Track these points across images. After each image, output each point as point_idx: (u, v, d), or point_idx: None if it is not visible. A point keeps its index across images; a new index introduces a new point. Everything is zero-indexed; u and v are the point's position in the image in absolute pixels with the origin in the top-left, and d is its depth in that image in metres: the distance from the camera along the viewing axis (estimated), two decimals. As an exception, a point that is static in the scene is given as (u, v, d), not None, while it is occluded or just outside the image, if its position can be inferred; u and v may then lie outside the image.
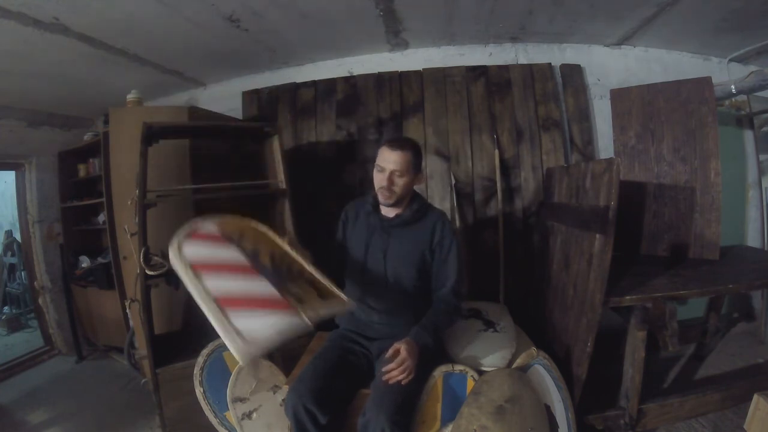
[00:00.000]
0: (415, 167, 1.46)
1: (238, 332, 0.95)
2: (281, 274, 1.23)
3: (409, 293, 1.51)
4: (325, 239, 1.74)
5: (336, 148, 2.77)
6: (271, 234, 1.34)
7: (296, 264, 1.29)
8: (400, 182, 1.43)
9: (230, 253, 1.21)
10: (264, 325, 1.01)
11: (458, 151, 2.68)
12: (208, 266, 1.10)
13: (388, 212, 1.53)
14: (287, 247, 1.30)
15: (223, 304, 1.00)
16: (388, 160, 1.41)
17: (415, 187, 1.55)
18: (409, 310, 1.49)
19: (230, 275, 1.13)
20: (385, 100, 2.76)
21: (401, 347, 1.29)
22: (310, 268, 1.29)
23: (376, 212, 1.54)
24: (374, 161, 1.47)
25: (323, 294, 1.25)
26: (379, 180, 1.44)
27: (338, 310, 1.27)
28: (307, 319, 1.08)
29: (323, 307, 1.18)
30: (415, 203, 1.54)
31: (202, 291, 1.02)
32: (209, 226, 1.25)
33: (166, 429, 1.76)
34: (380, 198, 1.47)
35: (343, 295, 1.26)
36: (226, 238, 1.25)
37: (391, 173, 1.41)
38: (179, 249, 1.10)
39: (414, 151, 1.45)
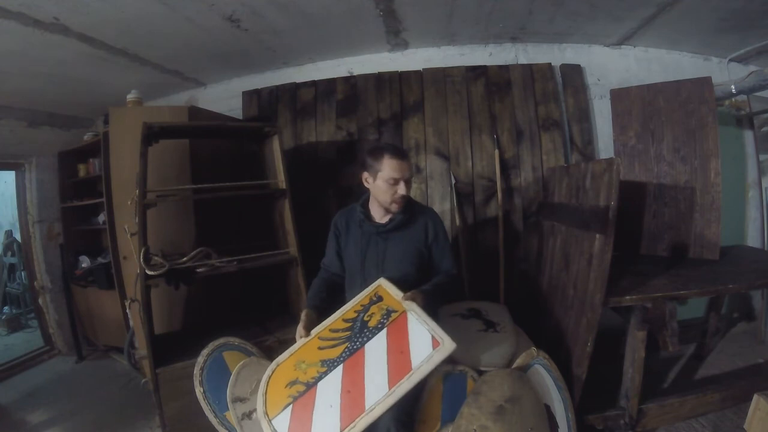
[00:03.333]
0: None
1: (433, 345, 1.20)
2: (354, 329, 1.34)
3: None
4: (325, 239, 1.75)
5: (336, 148, 2.77)
6: (300, 345, 1.38)
7: (337, 322, 1.39)
8: (409, 188, 1.53)
9: (330, 394, 1.20)
10: (428, 331, 1.24)
11: (458, 151, 2.67)
12: (356, 407, 1.14)
13: (381, 218, 1.58)
14: (316, 331, 1.39)
15: (399, 375, 1.16)
16: (403, 170, 1.48)
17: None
18: None
19: (367, 380, 1.18)
20: (385, 100, 2.76)
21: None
22: (342, 311, 1.43)
23: (369, 220, 1.58)
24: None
25: (380, 295, 1.42)
26: (394, 191, 1.49)
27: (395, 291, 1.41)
28: (408, 306, 1.32)
29: (393, 296, 1.38)
30: (405, 205, 1.58)
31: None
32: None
33: (166, 429, 1.76)
34: (393, 208, 1.53)
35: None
36: (307, 396, 1.22)
37: (407, 182, 1.50)
38: None
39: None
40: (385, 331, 1.29)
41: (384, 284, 1.45)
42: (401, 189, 1.48)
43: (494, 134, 2.65)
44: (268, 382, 1.29)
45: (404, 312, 1.32)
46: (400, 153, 1.50)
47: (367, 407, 1.12)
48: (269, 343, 1.91)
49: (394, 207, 1.52)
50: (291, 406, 1.19)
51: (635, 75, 2.72)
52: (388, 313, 1.33)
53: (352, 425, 1.10)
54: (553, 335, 1.93)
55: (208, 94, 3.13)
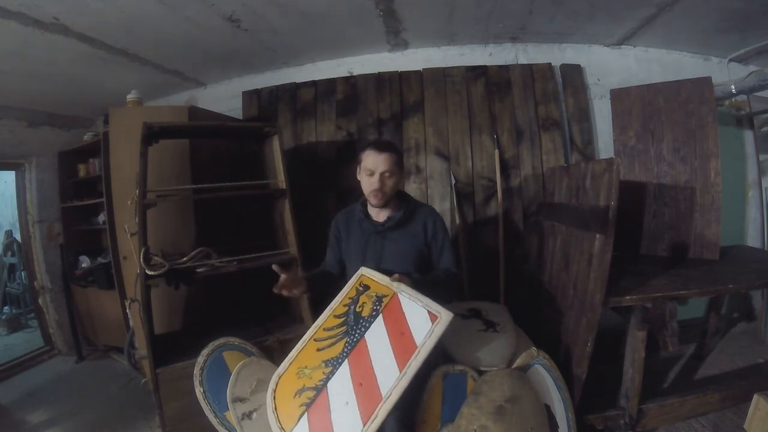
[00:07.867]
0: (400, 167, 1.54)
1: (433, 318, 1.20)
2: (348, 322, 1.32)
3: None
4: (325, 239, 1.75)
5: (336, 148, 2.77)
6: (298, 352, 1.34)
7: (329, 320, 1.37)
8: (390, 183, 1.49)
9: (342, 390, 1.16)
10: (423, 307, 1.24)
11: (458, 151, 2.67)
12: (372, 400, 1.11)
13: (379, 216, 1.58)
14: (310, 333, 1.36)
15: (406, 356, 1.15)
16: (377, 163, 1.46)
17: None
18: None
19: (378, 374, 1.15)
20: (385, 100, 2.76)
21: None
22: (330, 308, 1.40)
23: (368, 218, 1.59)
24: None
25: (366, 284, 1.41)
26: (369, 183, 1.49)
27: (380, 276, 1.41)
28: (397, 287, 1.31)
29: (380, 282, 1.38)
30: (403, 203, 1.59)
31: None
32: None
33: (166, 429, 1.76)
34: (372, 201, 1.52)
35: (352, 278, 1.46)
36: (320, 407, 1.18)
37: (381, 175, 1.47)
38: None
39: (398, 152, 1.53)
40: (380, 317, 1.27)
41: (366, 272, 1.43)
42: (374, 181, 1.47)
43: (494, 134, 2.65)
44: (274, 397, 1.23)
45: (395, 294, 1.30)
46: (379, 146, 1.49)
47: (383, 394, 1.10)
48: (269, 343, 1.91)
49: (373, 200, 1.52)
50: (306, 414, 1.15)
51: (635, 75, 2.72)
52: (379, 299, 1.31)
53: (373, 416, 1.07)
54: (553, 335, 1.93)
55: (208, 94, 3.13)
